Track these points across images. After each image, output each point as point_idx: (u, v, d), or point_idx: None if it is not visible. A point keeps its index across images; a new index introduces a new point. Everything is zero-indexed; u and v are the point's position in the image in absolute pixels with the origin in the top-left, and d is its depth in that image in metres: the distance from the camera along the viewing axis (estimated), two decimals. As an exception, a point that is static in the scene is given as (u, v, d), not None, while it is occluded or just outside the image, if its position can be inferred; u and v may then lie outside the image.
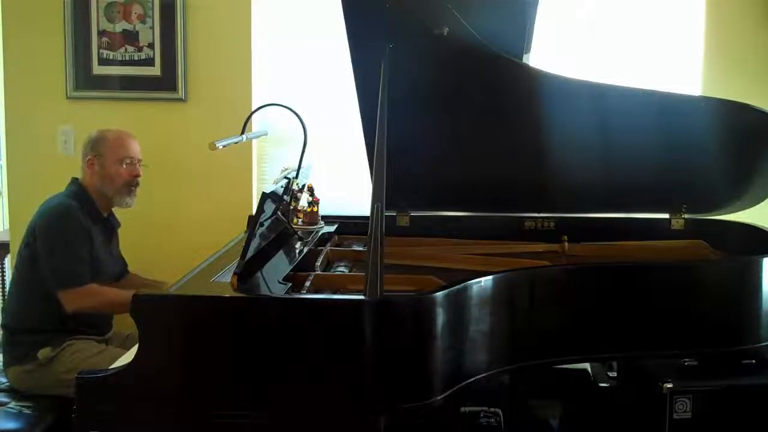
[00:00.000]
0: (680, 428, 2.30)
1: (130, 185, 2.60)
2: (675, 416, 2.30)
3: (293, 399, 1.74)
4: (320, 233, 2.70)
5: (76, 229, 2.45)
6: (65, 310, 2.39)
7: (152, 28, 3.26)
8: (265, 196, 1.97)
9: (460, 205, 2.81)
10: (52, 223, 2.44)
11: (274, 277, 2.01)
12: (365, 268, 1.77)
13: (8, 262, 3.67)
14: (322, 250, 2.48)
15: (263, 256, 2.12)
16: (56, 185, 2.62)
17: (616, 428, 2.64)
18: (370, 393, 1.74)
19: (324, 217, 2.84)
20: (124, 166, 2.57)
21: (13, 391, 2.42)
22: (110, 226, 2.66)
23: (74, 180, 2.61)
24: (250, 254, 1.91)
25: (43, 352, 2.41)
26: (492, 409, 2.60)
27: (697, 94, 3.13)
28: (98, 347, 2.49)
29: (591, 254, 2.62)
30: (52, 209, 2.47)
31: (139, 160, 2.63)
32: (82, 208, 2.50)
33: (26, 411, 2.30)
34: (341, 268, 2.38)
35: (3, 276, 4.07)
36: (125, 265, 2.80)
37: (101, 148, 2.57)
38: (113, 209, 2.67)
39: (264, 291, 1.95)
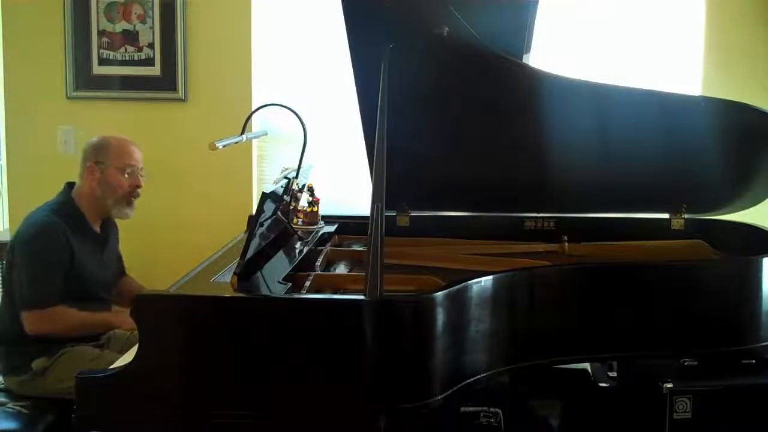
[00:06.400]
0: (680, 428, 2.30)
1: (131, 195, 2.49)
2: (675, 416, 2.30)
3: (293, 399, 1.74)
4: (320, 233, 2.69)
5: (54, 249, 2.34)
6: (25, 330, 2.31)
7: (152, 28, 3.26)
8: (265, 196, 1.97)
9: (460, 205, 2.80)
10: (29, 241, 2.35)
11: (274, 277, 2.01)
12: (365, 268, 1.77)
13: (8, 262, 3.66)
14: (322, 250, 2.48)
15: (263, 256, 2.11)
16: (56, 185, 2.60)
17: (616, 428, 2.63)
18: (370, 393, 1.74)
19: (324, 217, 2.84)
20: (126, 175, 2.47)
21: (11, 392, 2.40)
22: (103, 238, 2.55)
23: (67, 187, 2.51)
24: (250, 254, 1.90)
25: (38, 363, 2.35)
26: (492, 409, 2.59)
27: (697, 94, 3.13)
28: (93, 353, 2.42)
29: (591, 254, 2.62)
30: (33, 227, 2.37)
31: (141, 169, 2.52)
32: (68, 224, 2.39)
33: (24, 411, 2.29)
34: (341, 268, 2.38)
35: (2, 277, 4.05)
36: (121, 270, 2.72)
37: (103, 155, 2.46)
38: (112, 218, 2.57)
39: (264, 291, 1.95)
